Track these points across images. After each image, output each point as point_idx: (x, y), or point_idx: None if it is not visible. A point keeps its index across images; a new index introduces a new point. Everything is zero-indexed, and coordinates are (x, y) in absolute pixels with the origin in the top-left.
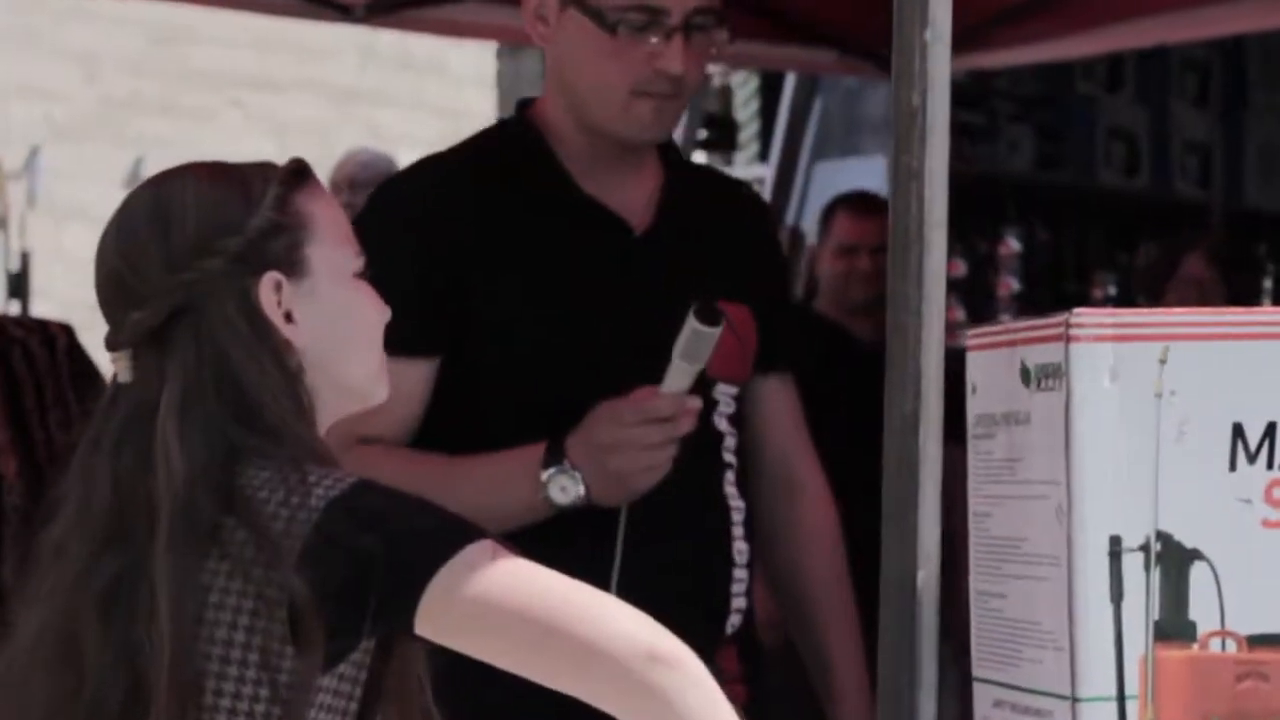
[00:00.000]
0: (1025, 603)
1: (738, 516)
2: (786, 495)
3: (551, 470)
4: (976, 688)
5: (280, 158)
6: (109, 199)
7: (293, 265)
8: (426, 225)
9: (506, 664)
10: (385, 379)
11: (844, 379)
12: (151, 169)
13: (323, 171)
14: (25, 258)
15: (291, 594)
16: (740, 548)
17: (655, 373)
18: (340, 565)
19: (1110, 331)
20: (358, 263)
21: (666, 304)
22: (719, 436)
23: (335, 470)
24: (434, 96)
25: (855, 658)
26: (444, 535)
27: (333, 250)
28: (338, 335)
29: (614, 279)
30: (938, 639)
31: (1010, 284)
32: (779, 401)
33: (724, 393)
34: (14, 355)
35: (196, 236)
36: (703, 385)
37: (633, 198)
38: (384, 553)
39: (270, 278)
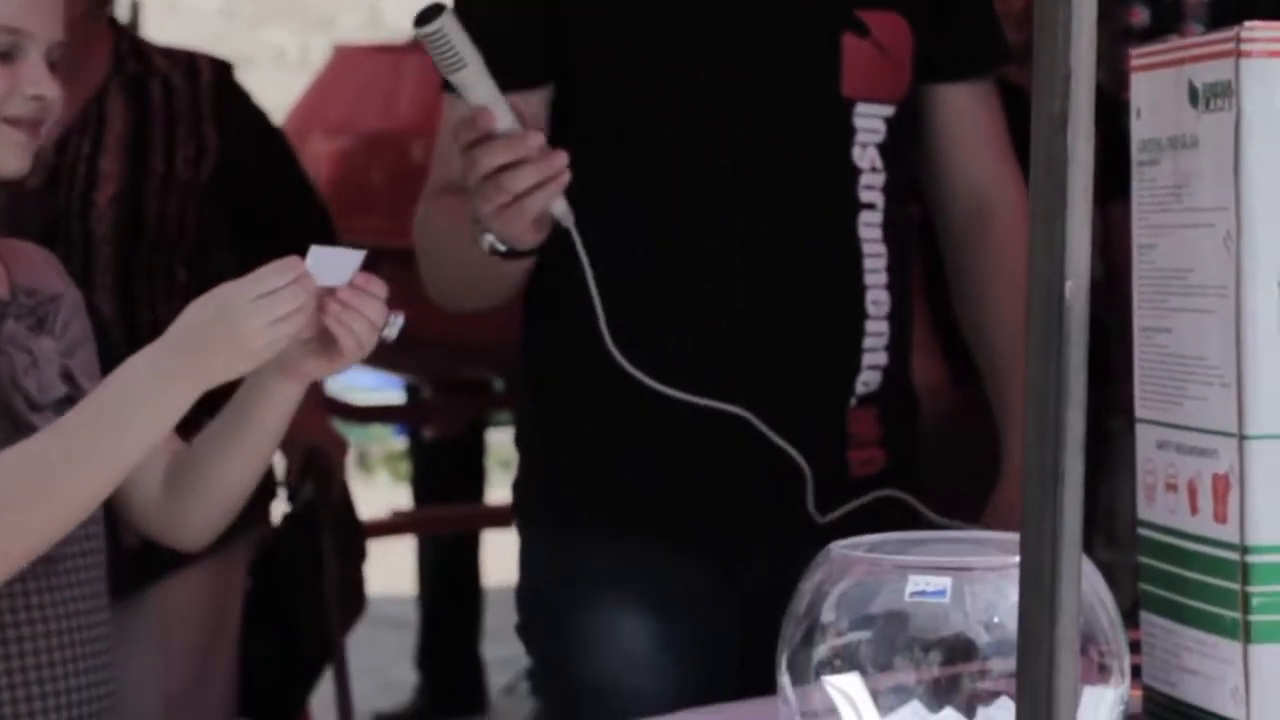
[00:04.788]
0: (1191, 337)
1: (875, 264)
2: (976, 223)
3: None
4: (1140, 429)
5: None
6: None
7: None
8: None
9: None
10: (8, 145)
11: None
12: None
13: None
14: (135, 8)
15: None
16: (876, 297)
17: (775, 104)
18: None
19: None
20: None
21: (795, 23)
22: (854, 172)
23: None
24: None
25: None
26: None
27: None
28: None
29: None
30: (1086, 354)
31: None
32: (966, 113)
33: (867, 115)
34: (153, 86)
35: None
36: (839, 109)
37: None
38: None
39: None
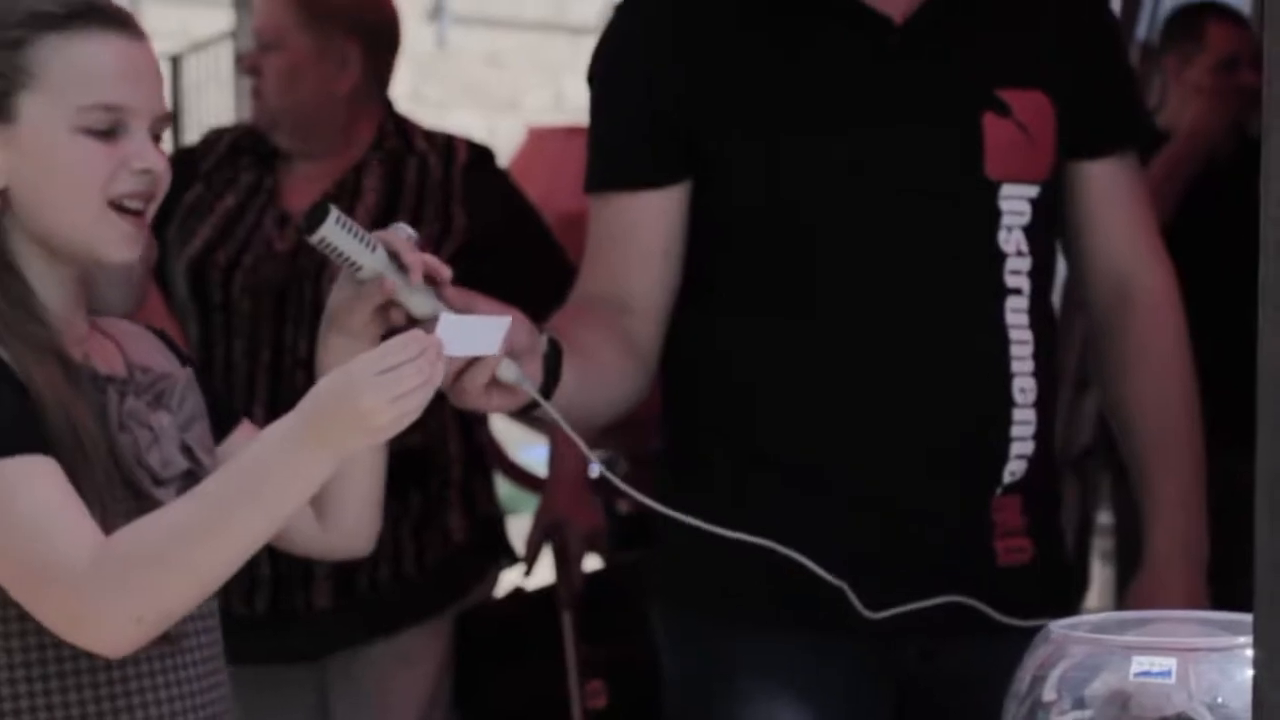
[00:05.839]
0: None
1: (1022, 350)
2: (1118, 303)
3: None
4: None
5: None
6: (407, 31)
7: None
8: (651, 47)
9: None
10: (112, 236)
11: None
12: (458, 0)
13: None
14: None
15: None
16: (1024, 385)
17: (919, 189)
18: None
19: None
20: (92, 117)
21: (935, 105)
22: (1000, 256)
23: None
24: None
25: (1176, 492)
26: None
27: (54, 100)
28: (38, 185)
29: (870, 82)
30: None
31: None
32: (1109, 189)
33: (1012, 196)
34: (410, 165)
35: None
36: (985, 191)
37: None
38: None
39: None
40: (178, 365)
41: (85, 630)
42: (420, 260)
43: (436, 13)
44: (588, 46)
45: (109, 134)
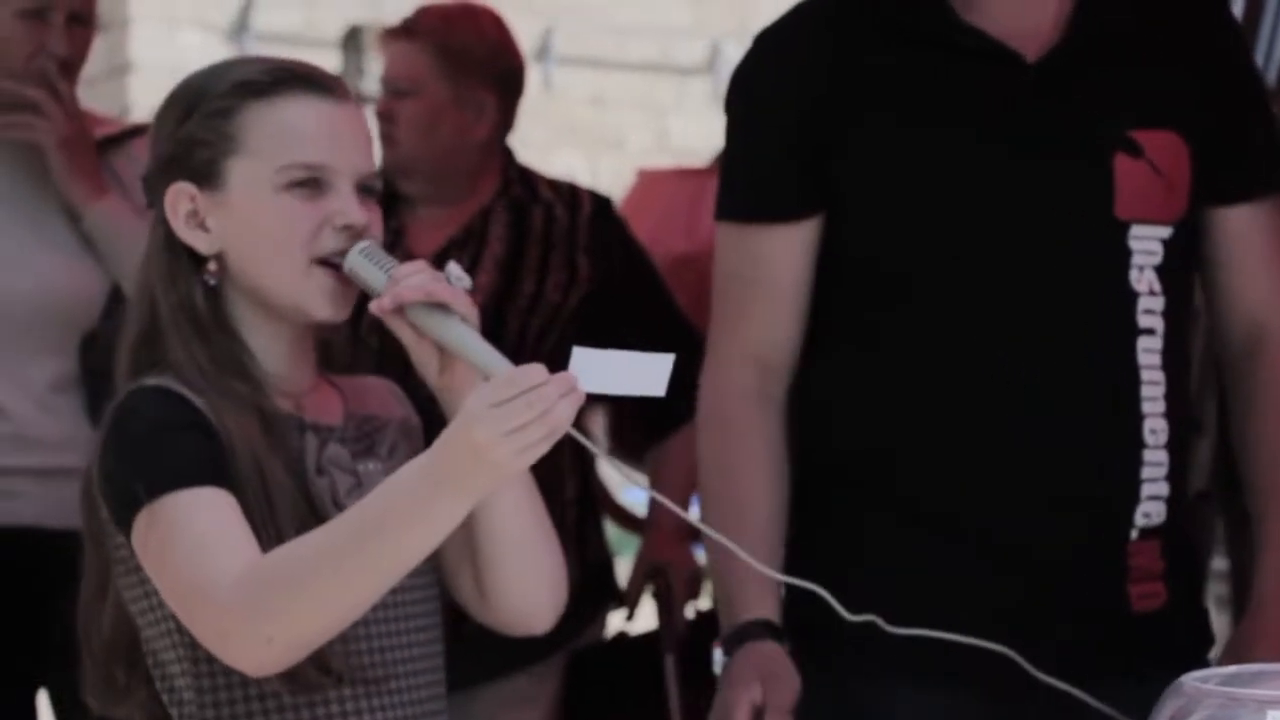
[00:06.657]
0: None
1: (1153, 391)
2: (1249, 348)
3: None
4: None
5: (695, 25)
6: None
7: (208, 177)
8: (782, 83)
9: None
10: (317, 292)
11: None
12: (562, 41)
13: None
14: None
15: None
16: (1155, 426)
17: (1047, 228)
18: (95, 481)
19: None
20: (292, 176)
21: (1066, 145)
22: (1131, 296)
23: (144, 379)
24: None
25: None
26: (129, 490)
27: (258, 163)
28: (247, 247)
29: (1001, 120)
30: None
31: None
32: (1247, 234)
33: (1143, 237)
34: (535, 213)
35: (151, 138)
36: (1114, 231)
37: (1031, 19)
38: (104, 484)
39: (178, 188)
40: (407, 413)
41: (228, 647)
42: (427, 290)
43: (542, 54)
44: (691, 87)
45: (311, 193)
